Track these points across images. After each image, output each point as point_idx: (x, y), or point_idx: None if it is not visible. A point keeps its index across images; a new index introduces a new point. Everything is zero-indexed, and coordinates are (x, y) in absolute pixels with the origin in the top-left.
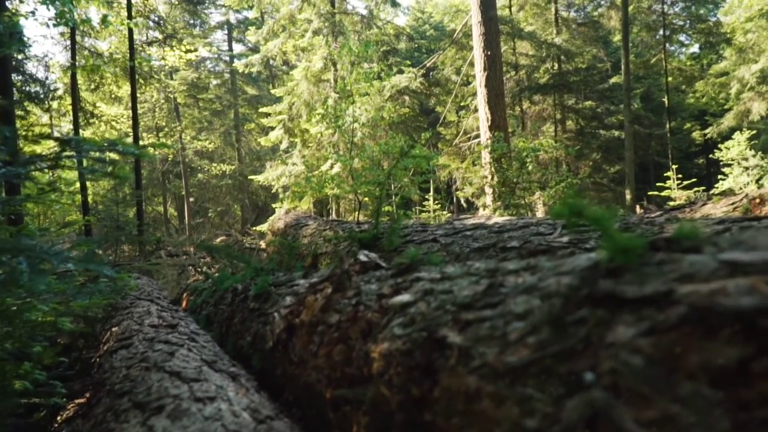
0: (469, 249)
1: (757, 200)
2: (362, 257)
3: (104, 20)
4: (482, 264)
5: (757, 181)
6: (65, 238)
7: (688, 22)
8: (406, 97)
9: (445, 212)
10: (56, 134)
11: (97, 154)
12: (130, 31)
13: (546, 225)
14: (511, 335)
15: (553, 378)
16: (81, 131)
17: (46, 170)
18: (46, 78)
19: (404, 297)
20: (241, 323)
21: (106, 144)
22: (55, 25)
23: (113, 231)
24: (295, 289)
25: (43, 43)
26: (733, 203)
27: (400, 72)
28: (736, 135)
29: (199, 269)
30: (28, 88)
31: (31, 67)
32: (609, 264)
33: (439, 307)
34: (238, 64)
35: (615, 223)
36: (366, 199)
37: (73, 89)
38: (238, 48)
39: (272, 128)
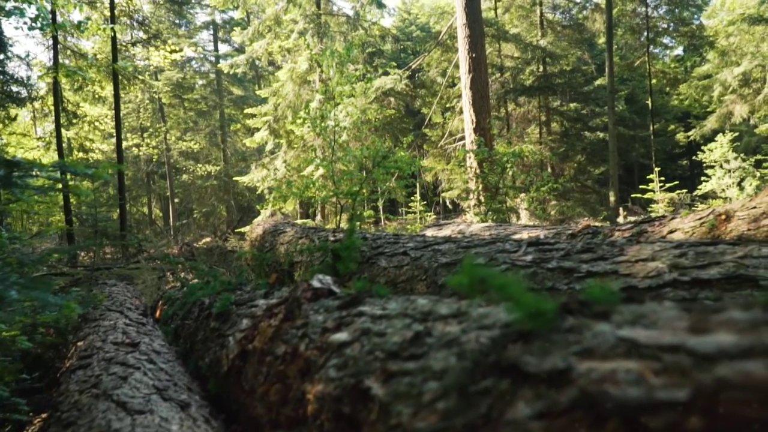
0: (437, 264)
1: (723, 217)
2: (315, 283)
3: (79, 26)
4: (422, 301)
5: (738, 183)
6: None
7: (671, 25)
8: (392, 99)
9: (430, 213)
10: (40, 133)
11: (49, 173)
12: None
13: (512, 243)
14: (425, 396)
15: None
16: (64, 131)
17: None
18: (29, 78)
19: (343, 335)
20: (202, 342)
21: (56, 166)
22: (30, 29)
23: (94, 235)
24: (253, 311)
25: (25, 43)
26: (700, 218)
27: (386, 74)
28: (719, 137)
29: (176, 275)
30: (9, 88)
31: (12, 66)
32: (522, 326)
33: (371, 351)
34: (224, 65)
35: (522, 288)
36: (350, 201)
37: (56, 90)
38: (223, 48)
39: (258, 129)
